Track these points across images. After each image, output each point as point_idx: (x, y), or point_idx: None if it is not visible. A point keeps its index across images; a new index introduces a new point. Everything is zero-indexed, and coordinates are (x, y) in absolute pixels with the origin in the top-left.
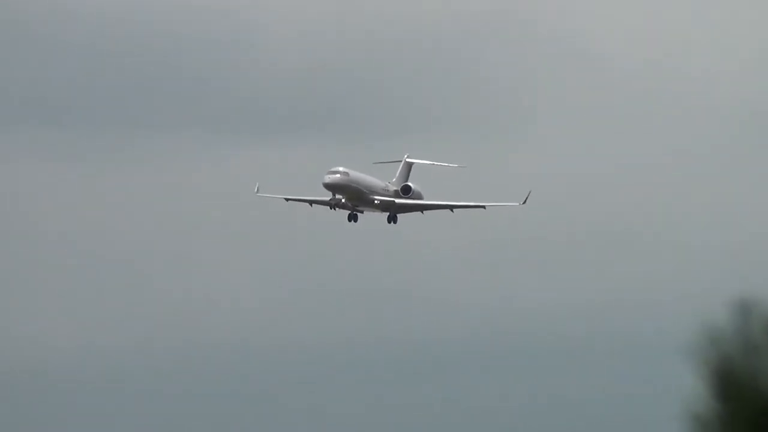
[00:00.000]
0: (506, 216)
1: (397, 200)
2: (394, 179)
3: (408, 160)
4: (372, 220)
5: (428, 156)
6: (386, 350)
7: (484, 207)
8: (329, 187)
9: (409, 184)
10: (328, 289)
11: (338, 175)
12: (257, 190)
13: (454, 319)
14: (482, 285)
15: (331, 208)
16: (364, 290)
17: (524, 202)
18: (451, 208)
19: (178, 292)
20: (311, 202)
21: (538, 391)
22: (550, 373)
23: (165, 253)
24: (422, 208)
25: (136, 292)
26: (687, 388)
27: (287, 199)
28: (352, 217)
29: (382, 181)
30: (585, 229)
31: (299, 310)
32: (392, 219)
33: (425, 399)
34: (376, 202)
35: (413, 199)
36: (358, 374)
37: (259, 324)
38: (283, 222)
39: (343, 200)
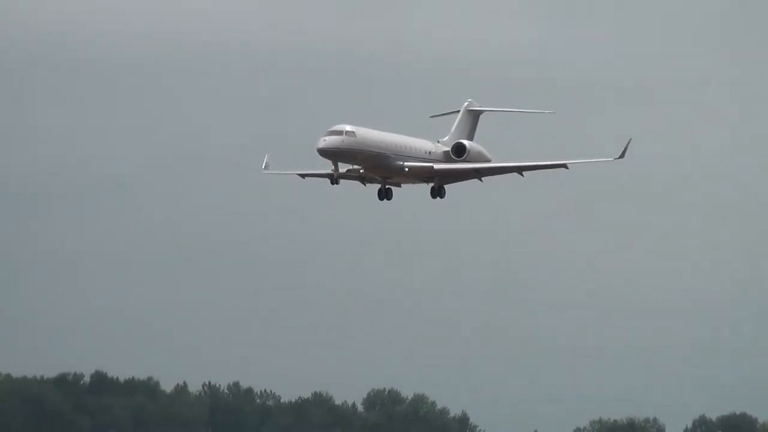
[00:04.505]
0: (596, 176)
1: (437, 165)
2: (446, 137)
3: (471, 108)
4: (411, 195)
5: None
6: None
7: (566, 167)
8: (325, 153)
9: (463, 141)
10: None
11: (339, 137)
12: (264, 166)
13: None
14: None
15: (332, 183)
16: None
17: (622, 156)
18: (521, 170)
19: None
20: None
21: None
22: None
23: None
24: (479, 173)
25: None
26: None
27: (303, 176)
28: (384, 194)
29: (428, 140)
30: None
31: None
32: (437, 192)
33: None
34: (405, 169)
35: (469, 161)
36: None
37: None
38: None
39: (361, 171)
